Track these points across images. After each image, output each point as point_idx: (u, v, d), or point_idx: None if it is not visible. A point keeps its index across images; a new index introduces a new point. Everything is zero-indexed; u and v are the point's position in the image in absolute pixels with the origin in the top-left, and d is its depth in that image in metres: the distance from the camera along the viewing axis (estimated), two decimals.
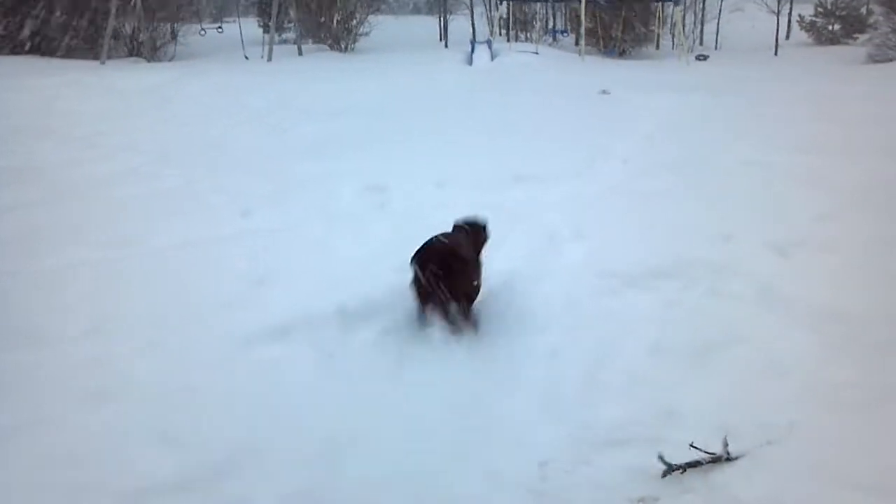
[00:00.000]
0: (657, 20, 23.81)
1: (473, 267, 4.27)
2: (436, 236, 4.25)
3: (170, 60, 19.31)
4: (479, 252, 4.51)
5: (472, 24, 27.23)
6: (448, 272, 3.99)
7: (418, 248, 4.12)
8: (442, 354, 3.94)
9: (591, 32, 22.45)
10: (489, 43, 20.66)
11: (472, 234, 4.56)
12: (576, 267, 5.19)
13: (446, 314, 4.04)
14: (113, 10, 17.26)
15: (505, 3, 25.07)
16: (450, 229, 4.59)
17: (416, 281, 4.05)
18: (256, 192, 6.75)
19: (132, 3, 18.21)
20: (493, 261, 4.73)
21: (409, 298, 4.23)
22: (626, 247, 5.42)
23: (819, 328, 4.27)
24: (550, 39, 25.67)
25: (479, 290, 4.25)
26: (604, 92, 12.97)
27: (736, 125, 9.69)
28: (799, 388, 3.71)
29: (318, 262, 5.22)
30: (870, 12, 27.46)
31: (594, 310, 4.55)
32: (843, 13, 27.41)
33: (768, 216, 5.97)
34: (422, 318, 4.16)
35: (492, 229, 4.80)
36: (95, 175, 7.46)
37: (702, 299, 4.69)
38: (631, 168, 7.61)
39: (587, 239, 5.68)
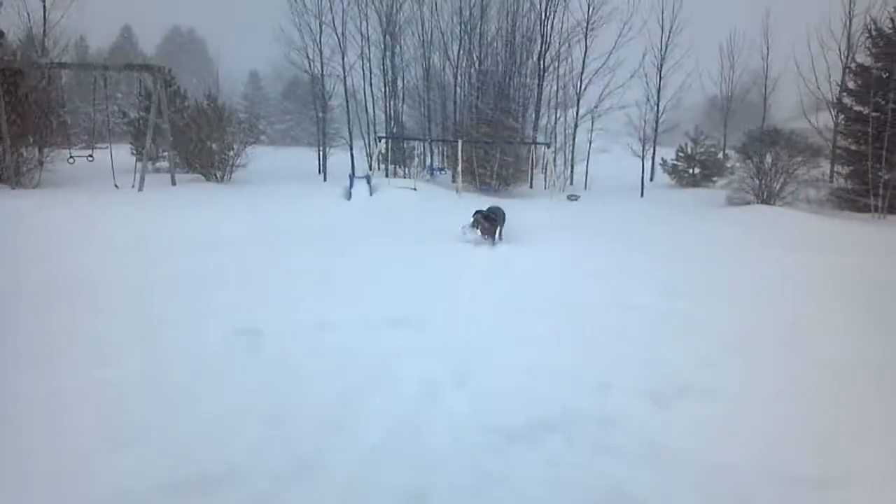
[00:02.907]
0: (530, 160, 24.65)
1: (503, 219, 12.30)
2: (490, 207, 12.44)
3: (34, 187, 18.51)
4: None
5: (352, 159, 27.52)
6: (496, 219, 12.07)
7: (482, 209, 11.98)
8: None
9: (467, 170, 22.98)
10: (368, 178, 20.80)
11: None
12: (458, 419, 4.94)
13: (493, 234, 11.96)
14: None
15: (384, 139, 25.49)
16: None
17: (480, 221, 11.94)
18: (114, 337, 6.21)
19: None
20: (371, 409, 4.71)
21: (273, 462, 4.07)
22: (509, 395, 5.23)
23: (710, 490, 4.14)
24: (428, 175, 26.14)
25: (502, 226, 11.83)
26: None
27: (610, 267, 9.86)
28: None
29: (179, 419, 4.76)
30: (726, 157, 29.36)
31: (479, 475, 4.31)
32: (703, 158, 29.14)
33: (647, 363, 5.95)
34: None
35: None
36: None
37: (588, 457, 4.50)
38: (507, 310, 7.48)
39: (468, 386, 5.46)
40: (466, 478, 4.24)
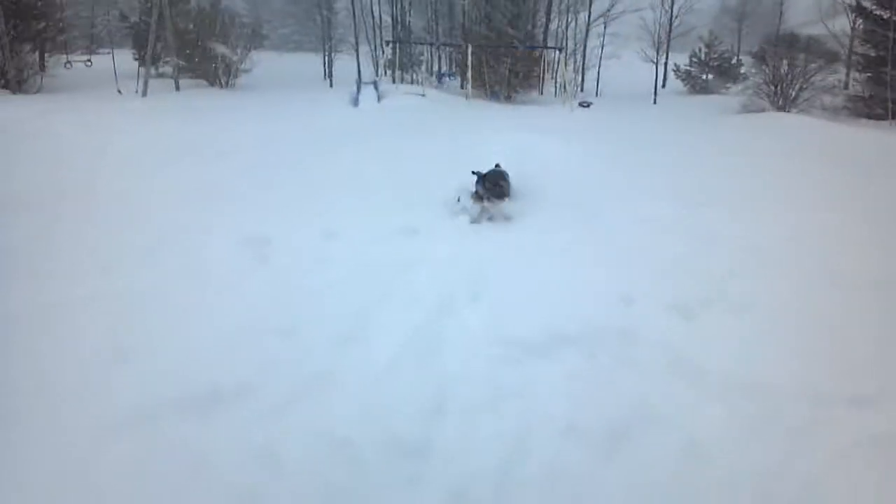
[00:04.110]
0: (541, 66, 24.06)
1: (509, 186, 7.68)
2: (494, 170, 7.88)
3: (36, 93, 18.14)
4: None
5: (358, 64, 26.93)
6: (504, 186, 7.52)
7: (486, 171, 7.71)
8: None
9: (476, 76, 22.47)
10: (375, 84, 20.36)
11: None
12: (473, 332, 4.80)
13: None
14: None
15: (391, 44, 24.89)
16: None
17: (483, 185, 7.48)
18: (120, 246, 6.05)
19: None
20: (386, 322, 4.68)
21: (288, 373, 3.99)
22: (526, 310, 5.07)
23: (735, 404, 4.02)
24: (436, 82, 25.61)
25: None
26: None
27: (626, 177, 9.55)
28: (723, 479, 3.42)
29: (187, 331, 4.62)
30: (740, 63, 28.68)
31: (498, 386, 4.18)
32: (716, 63, 28.48)
33: (670, 276, 5.73)
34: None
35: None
36: None
37: (609, 371, 4.36)
38: (523, 223, 7.25)
39: (483, 300, 5.31)
40: (482, 392, 4.12)
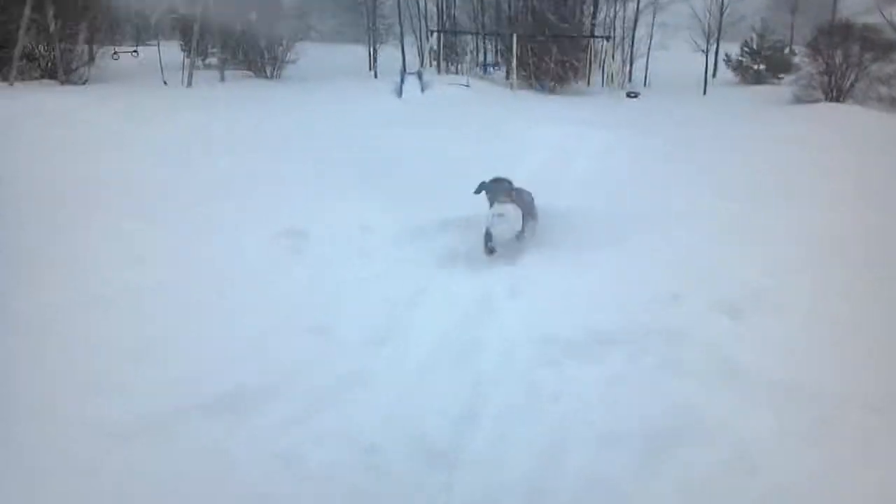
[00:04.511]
0: (588, 56, 23.63)
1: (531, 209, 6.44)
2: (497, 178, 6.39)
3: (83, 83, 18.29)
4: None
5: (403, 55, 26.78)
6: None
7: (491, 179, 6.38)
8: None
9: (522, 66, 22.18)
10: (420, 74, 20.19)
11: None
12: (510, 331, 4.62)
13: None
14: (22, 29, 16.25)
15: (436, 34, 24.69)
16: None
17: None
18: (154, 238, 5.97)
19: (47, 20, 17.23)
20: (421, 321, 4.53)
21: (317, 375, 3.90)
22: (567, 308, 4.87)
23: (786, 410, 3.80)
24: (481, 72, 25.33)
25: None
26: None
27: (671, 169, 9.26)
28: (774, 492, 3.19)
29: (217, 329, 4.52)
30: (793, 52, 27.93)
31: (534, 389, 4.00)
32: (769, 53, 27.79)
33: (715, 272, 5.47)
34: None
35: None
36: None
37: (652, 373, 4.16)
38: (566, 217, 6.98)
39: (521, 297, 5.12)
40: (517, 395, 3.95)
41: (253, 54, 22.07)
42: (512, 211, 5.85)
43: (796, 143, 11.93)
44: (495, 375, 4.14)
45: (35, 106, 11.88)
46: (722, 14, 27.14)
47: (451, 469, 3.37)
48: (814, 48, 20.57)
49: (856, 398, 3.86)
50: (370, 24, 28.14)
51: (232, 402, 3.74)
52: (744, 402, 3.89)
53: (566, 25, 22.74)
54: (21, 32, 16.28)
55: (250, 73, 22.16)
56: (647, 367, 4.21)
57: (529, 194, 6.53)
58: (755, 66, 28.03)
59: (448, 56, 26.43)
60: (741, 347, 4.43)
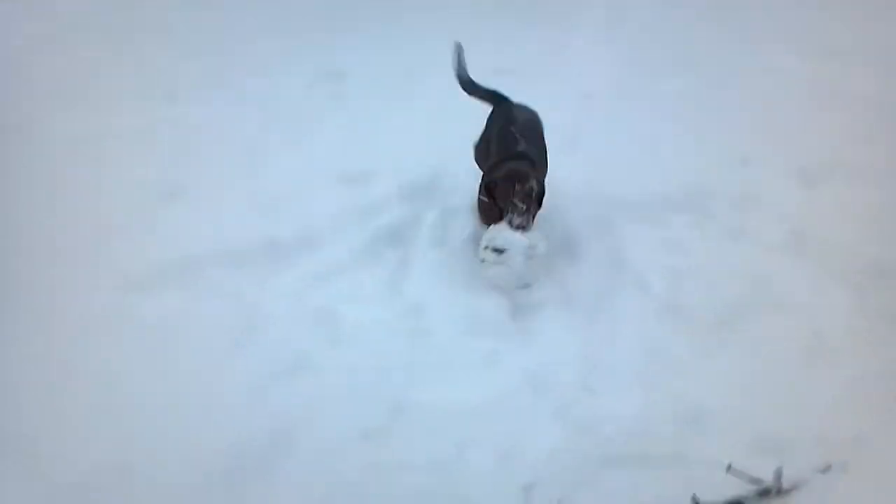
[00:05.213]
0: None
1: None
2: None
3: None
4: None
5: None
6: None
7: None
8: None
9: None
10: None
11: None
12: (564, 185, 4.24)
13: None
14: None
15: None
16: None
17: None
18: (187, 71, 5.53)
19: None
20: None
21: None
22: (628, 166, 4.49)
23: (864, 288, 3.47)
24: None
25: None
26: None
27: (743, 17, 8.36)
28: (854, 380, 2.90)
29: (248, 171, 4.26)
30: None
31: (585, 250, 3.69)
32: None
33: (790, 137, 4.99)
34: None
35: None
36: None
37: (719, 242, 3.83)
38: (628, 66, 6.37)
39: (578, 154, 4.72)
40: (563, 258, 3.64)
41: None
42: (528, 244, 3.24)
43: None
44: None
45: None
46: None
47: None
48: None
49: None
50: None
51: (263, 251, 3.57)
52: (814, 274, 3.57)
53: None
54: None
55: None
56: (713, 234, 3.87)
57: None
58: None
59: None
60: (813, 217, 4.05)
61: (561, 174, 4.31)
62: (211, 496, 2.52)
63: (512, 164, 3.33)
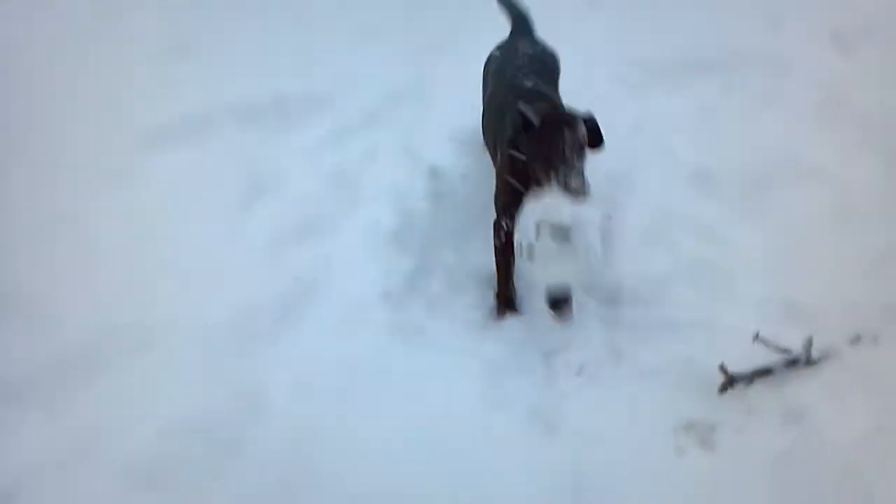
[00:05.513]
0: None
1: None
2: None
3: None
4: None
5: None
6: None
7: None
8: None
9: None
10: None
11: None
12: (589, 47, 4.03)
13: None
14: None
15: None
16: None
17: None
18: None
19: None
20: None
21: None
22: (654, 26, 4.25)
23: (891, 153, 3.30)
24: None
25: None
26: None
27: None
28: (886, 249, 2.79)
29: (256, 26, 4.08)
30: None
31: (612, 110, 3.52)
32: None
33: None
34: None
35: None
36: None
37: (748, 106, 3.65)
38: None
39: (605, 8, 4.47)
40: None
41: None
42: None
43: None
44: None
45: None
46: None
47: None
48: None
49: None
50: None
51: (271, 108, 3.43)
52: (847, 143, 3.41)
53: None
54: None
55: None
56: (744, 99, 3.69)
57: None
58: None
59: None
60: (847, 83, 3.84)
61: (587, 34, 4.12)
62: (224, 356, 2.44)
63: (545, 105, 2.44)
